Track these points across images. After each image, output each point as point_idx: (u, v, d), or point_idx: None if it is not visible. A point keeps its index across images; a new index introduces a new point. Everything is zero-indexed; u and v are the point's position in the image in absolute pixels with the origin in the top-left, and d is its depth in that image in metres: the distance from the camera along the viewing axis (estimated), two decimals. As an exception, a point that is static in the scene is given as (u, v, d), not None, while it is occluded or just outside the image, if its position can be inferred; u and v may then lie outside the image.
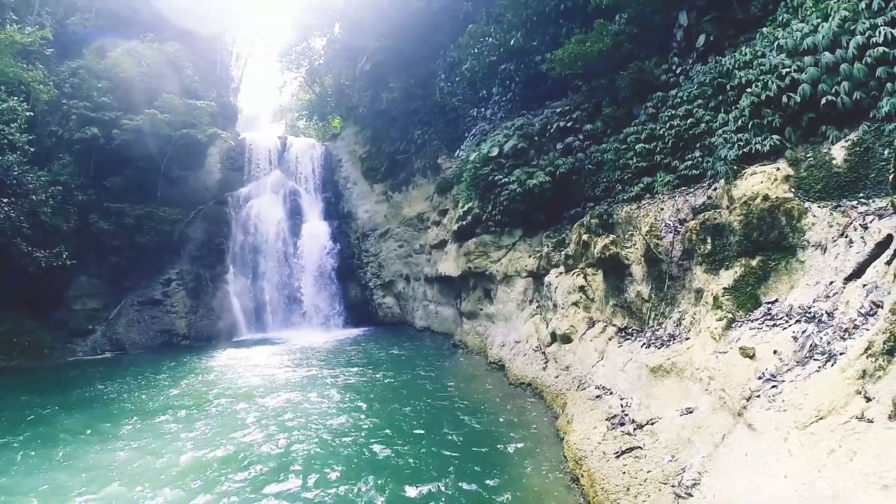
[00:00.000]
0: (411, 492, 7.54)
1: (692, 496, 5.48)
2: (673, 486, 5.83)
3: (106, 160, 26.73)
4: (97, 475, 8.36)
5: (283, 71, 40.42)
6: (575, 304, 12.66)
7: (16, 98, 23.13)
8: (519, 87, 19.29)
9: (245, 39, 42.47)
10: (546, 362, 12.60)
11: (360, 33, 31.57)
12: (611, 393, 9.05)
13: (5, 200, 21.20)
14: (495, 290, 18.17)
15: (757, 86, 8.90)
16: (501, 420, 10.59)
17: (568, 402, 9.89)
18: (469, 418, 10.75)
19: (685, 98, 11.63)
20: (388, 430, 10.10)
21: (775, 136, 8.34)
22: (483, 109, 20.98)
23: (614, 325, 10.86)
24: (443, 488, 7.55)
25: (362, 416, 11.12)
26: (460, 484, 7.67)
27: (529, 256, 16.72)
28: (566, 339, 12.32)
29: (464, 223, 19.78)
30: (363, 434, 9.89)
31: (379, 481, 7.82)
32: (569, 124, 15.94)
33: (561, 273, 14.02)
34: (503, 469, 8.20)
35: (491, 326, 17.76)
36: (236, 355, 20.60)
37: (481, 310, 18.89)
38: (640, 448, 7.02)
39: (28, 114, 23.66)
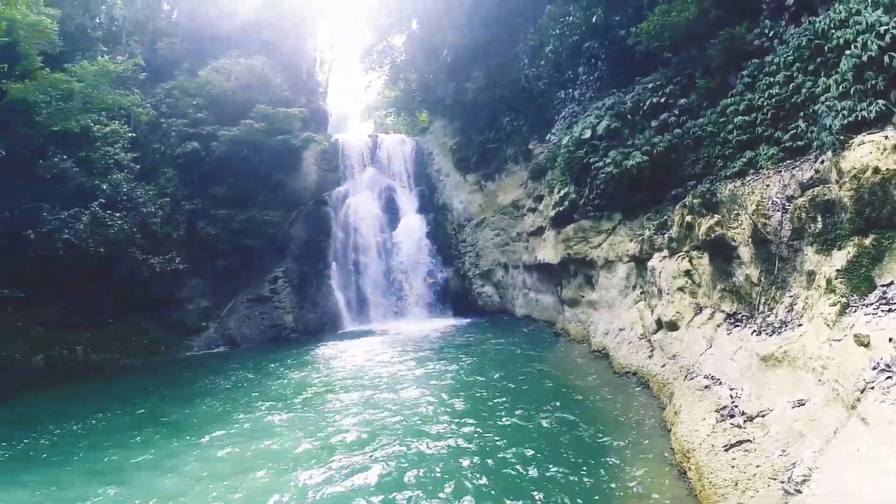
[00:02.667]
0: (512, 481, 7.95)
1: (801, 492, 5.53)
2: (782, 482, 5.88)
3: (208, 171, 29.56)
4: (212, 467, 9.45)
5: (366, 71, 42.07)
6: (680, 289, 12.48)
7: (117, 122, 26.17)
8: (606, 65, 18.96)
9: (326, 45, 44.64)
10: (652, 350, 12.58)
11: (438, 26, 32.18)
12: (720, 383, 9.00)
13: (118, 215, 24.04)
14: (597, 277, 18.14)
15: (856, 46, 8.37)
16: (606, 410, 10.81)
17: (675, 392, 9.93)
18: (573, 408, 11.06)
19: (782, 64, 11.02)
20: (488, 421, 10.58)
21: (881, 101, 7.84)
22: (571, 91, 20.81)
23: (723, 311, 10.66)
24: (545, 481, 7.91)
25: (463, 405, 11.76)
26: (564, 477, 8.01)
27: (631, 240, 16.53)
28: (672, 326, 12.22)
29: (561, 209, 19.85)
30: (463, 423, 10.46)
31: (476, 473, 8.26)
32: (662, 100, 15.52)
33: (665, 257, 13.81)
34: (609, 461, 8.44)
35: (593, 314, 17.80)
36: (341, 347, 22.13)
37: (583, 297, 18.93)
38: (750, 441, 7.04)
39: (130, 135, 26.76)
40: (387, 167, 36.45)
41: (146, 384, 17.90)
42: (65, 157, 23.90)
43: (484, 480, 7.97)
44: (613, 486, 7.63)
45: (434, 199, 34.48)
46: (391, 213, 33.81)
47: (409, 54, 38.71)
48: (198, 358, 23.79)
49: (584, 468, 8.21)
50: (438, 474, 8.29)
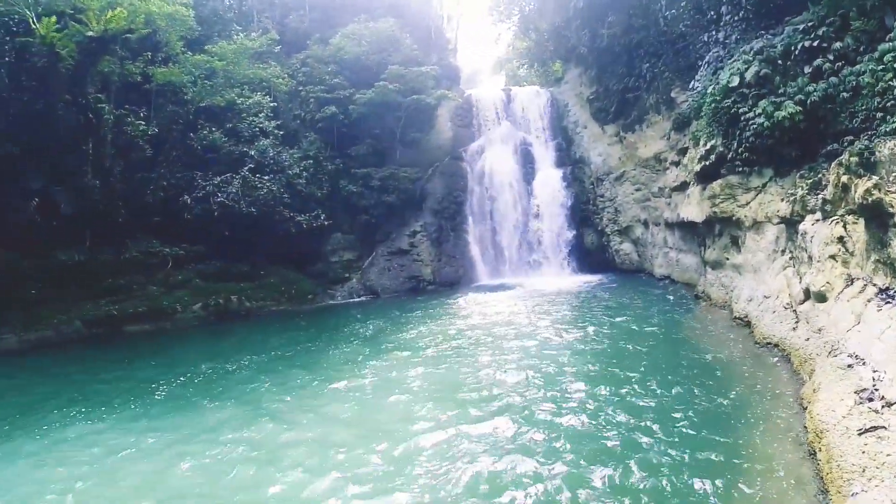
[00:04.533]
0: (634, 448, 8.42)
1: (923, 486, 5.68)
2: (908, 475, 6.02)
3: (347, 133, 32.29)
4: (343, 413, 10.95)
5: (495, 23, 42.03)
6: (832, 257, 11.95)
7: (258, 93, 29.35)
8: (751, 4, 17.61)
9: (452, 1, 45.20)
10: (797, 322, 12.27)
11: (567, -29, 31.17)
12: (863, 363, 8.85)
13: (266, 178, 27.47)
14: (743, 238, 17.50)
15: None
16: (743, 382, 10.90)
17: (816, 368, 9.84)
18: (709, 378, 11.27)
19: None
20: (620, 387, 11.00)
21: None
22: (714, 33, 19.60)
23: (875, 285, 10.18)
24: (669, 449, 8.35)
25: (594, 368, 12.35)
26: (688, 445, 8.40)
27: (782, 200, 15.73)
28: (820, 297, 11.81)
29: (706, 163, 19.18)
30: (593, 389, 10.98)
31: (603, 443, 8.76)
32: (815, 43, 14.29)
33: (818, 220, 13.15)
34: (738, 433, 8.71)
35: (737, 278, 17.29)
36: (476, 300, 23.64)
37: (727, 259, 18.37)
38: (885, 428, 7.09)
39: (272, 104, 30.09)
40: (522, 120, 36.74)
41: (293, 330, 20.77)
42: (214, 128, 27.72)
43: (609, 451, 8.52)
44: (738, 459, 7.97)
45: (571, 152, 34.28)
46: (527, 167, 34.27)
47: (538, 2, 37.94)
48: (341, 306, 26.89)
49: (715, 441, 8.53)
50: (561, 442, 8.92)
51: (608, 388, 10.98)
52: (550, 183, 33.16)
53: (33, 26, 22.43)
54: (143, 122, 25.83)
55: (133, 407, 12.40)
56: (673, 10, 22.39)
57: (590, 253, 31.13)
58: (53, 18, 22.53)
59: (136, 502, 8.02)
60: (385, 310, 23.54)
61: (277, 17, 36.30)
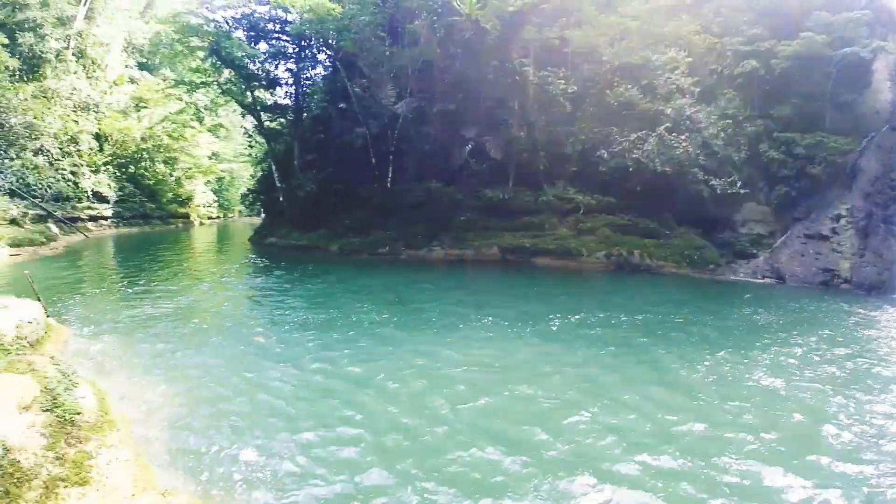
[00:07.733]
0: None
1: None
2: None
3: (768, 90, 30.10)
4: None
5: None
6: None
7: (674, 49, 30.12)
8: None
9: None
10: None
11: None
12: None
13: (682, 137, 28.06)
14: None
15: None
16: None
17: None
18: None
19: None
20: None
21: None
22: None
23: None
24: None
25: None
26: None
27: None
28: None
29: None
30: None
31: None
32: None
33: None
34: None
35: None
36: None
37: None
38: None
39: (687, 59, 30.26)
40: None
41: (693, 298, 20.82)
42: (629, 86, 29.60)
43: None
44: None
45: None
46: None
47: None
48: (742, 284, 24.86)
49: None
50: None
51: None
52: None
53: (457, 6, 28.22)
54: (562, 81, 29.85)
55: (529, 334, 14.46)
56: None
57: None
58: (475, -1, 27.55)
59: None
60: (791, 303, 20.40)
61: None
